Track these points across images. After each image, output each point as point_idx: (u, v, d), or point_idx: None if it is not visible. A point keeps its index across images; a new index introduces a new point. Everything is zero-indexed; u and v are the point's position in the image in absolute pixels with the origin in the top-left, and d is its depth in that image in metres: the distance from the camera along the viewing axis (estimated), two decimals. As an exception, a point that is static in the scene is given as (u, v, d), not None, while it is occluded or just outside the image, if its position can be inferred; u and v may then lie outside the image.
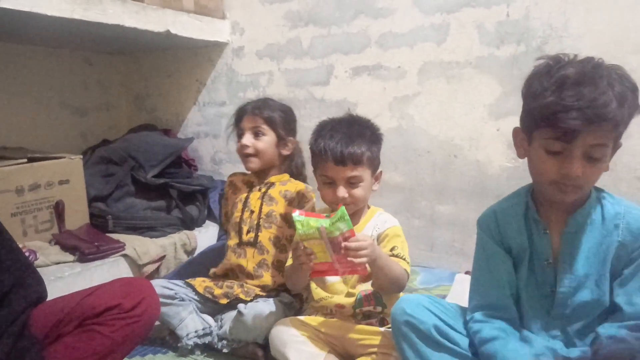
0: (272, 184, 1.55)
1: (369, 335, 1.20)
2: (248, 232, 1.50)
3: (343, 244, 1.06)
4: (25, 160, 1.71)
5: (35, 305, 1.05)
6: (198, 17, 1.99)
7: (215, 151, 2.28)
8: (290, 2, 1.95)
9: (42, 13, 1.46)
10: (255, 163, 1.51)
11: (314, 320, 1.26)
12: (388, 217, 1.31)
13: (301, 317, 1.27)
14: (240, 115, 1.55)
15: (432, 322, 0.99)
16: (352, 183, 1.22)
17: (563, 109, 0.82)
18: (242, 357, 1.33)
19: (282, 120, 1.54)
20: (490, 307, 1.00)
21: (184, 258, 1.91)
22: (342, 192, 1.21)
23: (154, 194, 1.99)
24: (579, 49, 1.48)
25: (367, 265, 1.10)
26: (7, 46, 2.04)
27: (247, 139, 1.50)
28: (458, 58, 1.66)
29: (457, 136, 1.69)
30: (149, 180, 1.96)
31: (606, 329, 0.89)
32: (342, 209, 1.05)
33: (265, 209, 1.50)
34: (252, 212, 1.52)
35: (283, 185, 1.54)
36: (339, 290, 1.28)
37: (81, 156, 1.86)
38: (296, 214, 1.08)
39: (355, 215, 1.28)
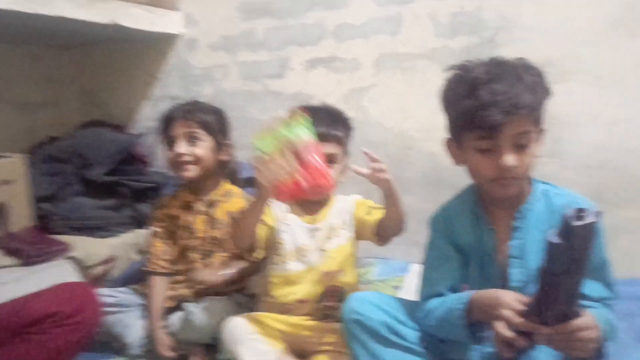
0: (214, 202, 1.43)
1: (324, 333, 1.18)
2: (199, 260, 1.41)
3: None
4: (-38, 160, 1.61)
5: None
6: (148, 8, 1.92)
7: (170, 147, 2.22)
8: (244, -8, 1.90)
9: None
10: (193, 171, 1.37)
11: (269, 317, 1.22)
12: (345, 197, 1.28)
13: (255, 314, 1.23)
14: (169, 120, 1.40)
15: (381, 319, 0.98)
16: None
17: (481, 107, 0.86)
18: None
19: (218, 123, 1.42)
20: (438, 297, 1.00)
21: (137, 258, 1.84)
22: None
23: (104, 192, 1.91)
24: (530, 40, 1.51)
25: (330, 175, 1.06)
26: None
27: (182, 146, 1.35)
28: (412, 50, 1.66)
29: (412, 128, 1.69)
30: (98, 179, 1.88)
31: None
32: (303, 114, 1.04)
33: (213, 234, 1.41)
34: (200, 238, 1.41)
35: (226, 202, 1.43)
36: (303, 281, 1.23)
37: (26, 155, 1.77)
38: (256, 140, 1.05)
39: (319, 204, 1.25)
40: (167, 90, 2.16)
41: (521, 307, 0.78)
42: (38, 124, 2.29)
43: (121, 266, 1.79)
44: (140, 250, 1.88)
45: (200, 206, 1.43)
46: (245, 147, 1.78)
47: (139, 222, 1.92)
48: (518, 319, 0.77)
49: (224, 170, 1.47)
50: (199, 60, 2.07)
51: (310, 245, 1.23)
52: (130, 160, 2.03)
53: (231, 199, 1.43)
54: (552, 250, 0.70)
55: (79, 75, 2.42)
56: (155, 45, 2.14)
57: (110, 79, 2.33)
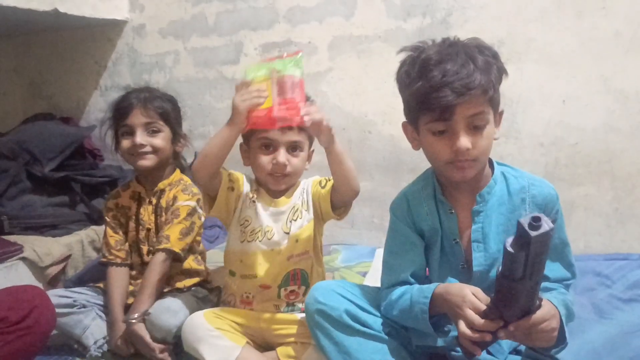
0: (162, 191, 1.38)
1: (287, 324, 1.16)
2: (149, 252, 1.37)
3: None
4: None
5: None
6: (91, -7, 1.83)
7: (124, 138, 2.14)
8: (192, -25, 1.84)
9: None
10: (151, 160, 1.33)
11: (229, 311, 1.20)
12: (305, 179, 1.26)
13: (216, 309, 1.21)
14: (126, 109, 1.33)
15: (344, 307, 0.97)
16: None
17: (433, 89, 0.85)
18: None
19: (175, 113, 1.38)
20: (401, 285, 1.00)
21: (94, 255, 1.78)
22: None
23: (54, 189, 1.83)
24: (481, 20, 1.51)
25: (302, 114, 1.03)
26: None
27: (142, 137, 1.31)
28: (367, 32, 1.64)
29: (370, 111, 1.68)
30: (47, 175, 1.80)
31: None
32: (301, 55, 1.04)
33: (160, 223, 1.37)
34: (148, 229, 1.38)
35: (172, 191, 1.38)
36: (265, 263, 1.20)
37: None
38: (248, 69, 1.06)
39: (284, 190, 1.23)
40: (117, 79, 2.08)
41: (483, 307, 0.79)
42: (-20, 119, 2.18)
43: (77, 265, 1.74)
44: (96, 247, 1.82)
45: (149, 196, 1.39)
46: (200, 137, 1.75)
47: (94, 219, 1.85)
48: (479, 321, 0.78)
49: (175, 160, 1.44)
50: (148, 47, 1.99)
51: (273, 228, 1.20)
52: (82, 154, 1.96)
53: (178, 187, 1.38)
54: (509, 258, 0.71)
55: (22, 65, 2.30)
56: (102, 32, 2.05)
57: (56, 69, 2.22)
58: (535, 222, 0.67)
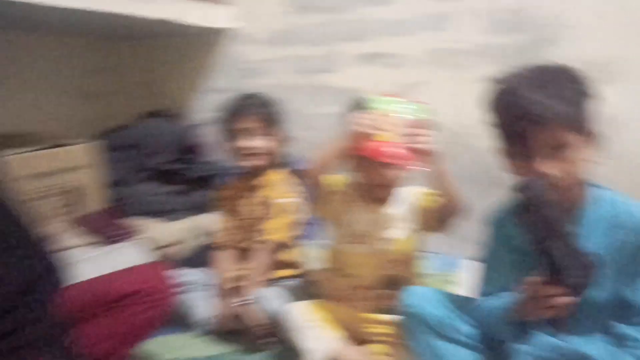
0: (267, 187, 1.54)
1: (382, 324, 1.24)
2: (254, 241, 1.52)
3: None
4: (49, 146, 1.77)
5: (59, 290, 1.12)
6: (200, 4, 2.01)
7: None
8: (295, -11, 1.98)
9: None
10: (257, 160, 1.50)
11: (328, 306, 1.31)
12: (410, 188, 1.32)
13: (315, 302, 1.33)
14: (232, 115, 1.51)
15: (439, 313, 1.02)
16: None
17: (514, 117, 0.92)
18: (255, 338, 1.39)
19: (276, 116, 1.53)
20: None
21: (198, 241, 1.98)
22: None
23: (166, 179, 2.05)
24: (582, 37, 1.52)
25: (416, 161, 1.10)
26: (22, 36, 2.08)
27: (249, 140, 1.48)
28: (464, 46, 1.70)
29: (464, 124, 1.72)
30: (161, 167, 2.03)
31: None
32: (428, 107, 1.13)
33: (266, 217, 1.51)
34: (253, 220, 1.54)
35: (276, 188, 1.53)
36: (364, 265, 1.29)
37: (99, 142, 1.92)
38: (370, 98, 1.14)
39: (385, 194, 1.30)
40: (220, 83, 2.27)
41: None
42: (100, 113, 2.44)
43: (187, 248, 1.95)
44: (204, 233, 2.02)
45: (255, 191, 1.55)
46: (296, 141, 1.88)
47: (201, 208, 2.06)
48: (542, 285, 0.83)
49: (281, 158, 1.59)
50: (249, 54, 2.16)
51: (372, 232, 1.28)
52: (190, 149, 2.17)
53: (282, 184, 1.53)
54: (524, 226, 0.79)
55: (138, 66, 2.56)
56: (208, 39, 2.24)
57: (167, 71, 2.46)
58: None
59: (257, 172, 1.55)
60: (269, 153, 1.51)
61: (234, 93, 2.15)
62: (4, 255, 0.94)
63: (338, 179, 1.32)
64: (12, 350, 0.88)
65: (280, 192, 1.52)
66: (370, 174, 1.25)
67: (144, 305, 1.12)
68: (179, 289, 1.40)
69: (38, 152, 1.73)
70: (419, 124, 1.09)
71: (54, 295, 1.05)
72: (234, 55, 2.21)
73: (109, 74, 2.49)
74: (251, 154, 1.49)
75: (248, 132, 1.48)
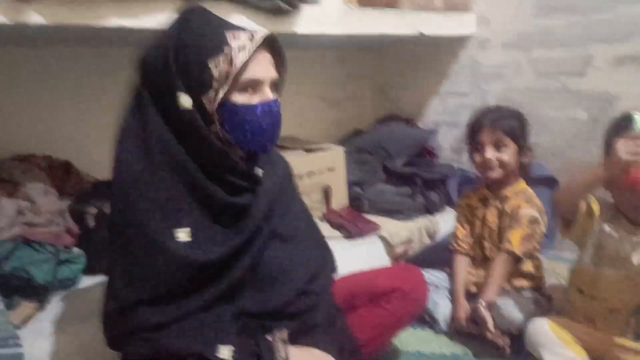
0: (507, 197, 1.55)
1: (632, 353, 1.18)
2: (491, 249, 1.57)
3: None
4: (304, 151, 2.09)
5: (334, 279, 1.33)
6: (446, 14, 2.09)
7: (455, 140, 2.39)
8: (543, -10, 1.91)
9: (322, 32, 1.72)
10: (497, 172, 1.52)
11: (573, 325, 1.28)
12: None
13: (559, 320, 1.31)
14: (477, 128, 1.55)
15: None
16: None
17: None
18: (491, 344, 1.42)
19: (520, 128, 1.53)
20: None
21: (427, 242, 2.09)
22: None
23: (401, 181, 2.21)
24: None
25: None
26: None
27: (490, 152, 1.51)
28: None
29: None
30: (397, 169, 2.19)
31: None
32: None
33: (503, 226, 1.54)
34: (491, 230, 1.57)
35: (517, 199, 1.53)
36: (616, 289, 1.24)
37: (343, 147, 2.18)
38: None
39: None
40: (456, 87, 2.33)
41: None
42: (342, 117, 2.75)
43: (414, 247, 2.08)
44: (430, 234, 2.13)
45: (494, 201, 1.58)
46: (534, 145, 1.85)
47: (429, 209, 2.17)
48: None
49: (522, 170, 1.58)
50: (489, 59, 2.16)
51: (631, 255, 1.21)
52: (422, 152, 2.29)
53: (523, 197, 1.53)
54: None
55: (375, 73, 2.79)
56: (447, 46, 2.31)
57: (402, 77, 2.62)
58: None
59: (497, 183, 1.57)
60: (510, 165, 1.52)
61: (473, 97, 2.21)
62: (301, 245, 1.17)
63: (591, 200, 1.28)
64: (301, 330, 1.09)
65: (521, 204, 1.52)
66: (632, 201, 1.18)
67: (404, 302, 1.24)
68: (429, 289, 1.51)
69: (300, 155, 2.05)
70: None
71: (331, 283, 1.26)
72: (473, 59, 2.23)
73: (351, 80, 2.76)
74: (492, 166, 1.52)
75: (490, 145, 1.52)
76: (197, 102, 0.96)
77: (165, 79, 0.97)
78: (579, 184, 1.22)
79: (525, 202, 1.52)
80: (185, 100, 0.96)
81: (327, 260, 1.29)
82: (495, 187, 1.59)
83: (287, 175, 1.23)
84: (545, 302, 1.52)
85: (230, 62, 0.95)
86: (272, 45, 1.03)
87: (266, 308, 1.04)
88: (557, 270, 1.71)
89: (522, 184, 1.58)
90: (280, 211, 1.12)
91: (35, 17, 1.19)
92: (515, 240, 1.48)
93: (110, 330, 0.99)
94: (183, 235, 0.96)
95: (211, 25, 0.99)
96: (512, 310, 1.39)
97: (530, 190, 1.57)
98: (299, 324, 1.07)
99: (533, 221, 1.49)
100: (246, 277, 1.03)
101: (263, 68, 1.00)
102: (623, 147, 1.05)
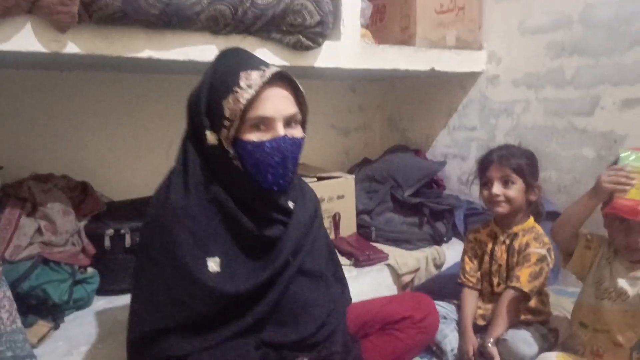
0: (516, 234, 1.58)
1: None
2: (499, 284, 1.60)
3: None
4: (315, 179, 2.13)
5: (348, 307, 1.35)
6: (458, 51, 2.16)
7: (462, 172, 2.43)
8: (554, 32, 1.97)
9: (340, 67, 1.80)
10: (504, 208, 1.55)
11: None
12: None
13: (566, 355, 1.33)
14: (486, 164, 1.59)
15: None
16: None
17: None
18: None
19: (529, 167, 1.56)
20: None
21: (433, 271, 2.12)
22: None
23: (409, 210, 2.25)
24: None
25: None
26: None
27: (497, 188, 1.54)
28: None
29: None
30: (406, 199, 2.23)
31: None
32: None
33: (511, 263, 1.57)
34: (499, 265, 1.60)
35: (525, 237, 1.57)
36: (618, 322, 1.27)
37: (353, 176, 2.22)
38: (625, 153, 1.18)
39: None
40: (465, 121, 2.39)
41: None
42: (352, 146, 2.80)
43: (421, 276, 2.10)
44: (436, 264, 2.16)
45: (503, 237, 1.61)
46: (542, 181, 1.90)
47: (436, 240, 2.20)
48: None
49: (530, 207, 1.62)
50: (498, 95, 2.22)
51: (629, 291, 1.26)
52: (430, 183, 2.34)
53: (531, 234, 1.56)
54: None
55: (384, 104, 2.85)
56: (457, 81, 2.37)
57: (411, 108, 2.68)
58: None
59: (506, 219, 1.61)
60: (516, 201, 1.55)
61: (481, 132, 2.26)
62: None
63: (590, 236, 1.35)
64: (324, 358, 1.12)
65: (529, 242, 1.55)
66: (628, 236, 1.23)
67: (415, 330, 1.28)
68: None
69: (312, 183, 2.08)
70: None
71: (345, 313, 1.29)
72: (482, 95, 2.29)
73: (360, 110, 2.82)
74: (498, 201, 1.56)
75: (498, 180, 1.55)
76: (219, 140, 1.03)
77: (197, 117, 1.04)
78: (570, 214, 1.33)
79: (534, 240, 1.56)
80: (211, 137, 1.02)
81: (344, 292, 1.32)
82: (504, 224, 1.62)
83: (316, 209, 1.26)
84: (552, 336, 1.54)
85: (238, 101, 0.99)
86: (289, 81, 1.07)
87: (287, 340, 1.07)
88: (562, 304, 1.74)
89: (531, 221, 1.61)
90: (307, 246, 1.15)
91: (71, 47, 1.24)
92: (523, 278, 1.50)
93: (136, 358, 1.02)
94: (213, 265, 0.99)
95: (232, 66, 1.05)
96: (520, 344, 1.41)
97: (538, 228, 1.60)
98: (317, 353, 1.10)
99: (541, 259, 1.52)
100: (270, 311, 1.06)
101: (273, 105, 1.03)
102: (605, 177, 1.20)
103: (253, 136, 1.02)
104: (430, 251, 2.14)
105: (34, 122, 1.86)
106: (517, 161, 1.55)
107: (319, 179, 2.13)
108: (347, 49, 1.75)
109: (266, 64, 1.06)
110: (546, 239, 1.56)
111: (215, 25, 1.40)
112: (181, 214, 1.00)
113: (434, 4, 2.07)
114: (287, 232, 1.09)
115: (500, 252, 1.61)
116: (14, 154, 1.80)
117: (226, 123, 1.01)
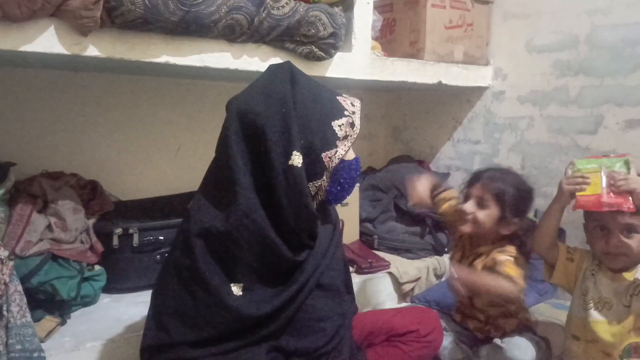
0: (481, 254, 1.50)
1: None
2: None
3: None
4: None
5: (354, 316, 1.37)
6: (465, 66, 2.20)
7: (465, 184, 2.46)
8: (561, 52, 2.01)
9: (351, 77, 1.84)
10: (468, 227, 1.47)
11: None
12: None
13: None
14: (473, 179, 1.51)
15: None
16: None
17: None
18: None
19: (513, 199, 1.43)
20: None
21: (434, 281, 2.15)
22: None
23: (411, 220, 2.27)
24: None
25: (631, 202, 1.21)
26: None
27: (470, 205, 1.45)
28: None
29: None
30: (409, 208, 2.26)
31: None
32: (628, 158, 1.29)
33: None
34: None
35: (490, 254, 1.46)
36: (602, 332, 1.31)
37: (358, 184, 2.25)
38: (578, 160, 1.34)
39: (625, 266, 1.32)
40: (469, 134, 2.42)
41: None
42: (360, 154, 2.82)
43: (421, 286, 2.13)
44: (437, 274, 2.18)
45: (469, 254, 1.56)
46: (542, 196, 1.93)
47: (437, 250, 2.23)
48: None
49: (505, 239, 1.48)
50: (503, 110, 2.26)
51: (613, 300, 1.31)
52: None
53: (498, 252, 1.44)
54: None
55: (390, 114, 2.89)
56: (463, 95, 2.41)
57: (417, 120, 2.71)
58: None
59: (471, 237, 1.55)
60: (483, 226, 1.44)
61: (485, 145, 2.30)
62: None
63: (570, 248, 1.42)
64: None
65: (494, 256, 1.45)
66: (607, 242, 1.28)
67: (420, 344, 1.30)
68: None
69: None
70: (620, 173, 1.25)
71: (352, 323, 1.31)
72: (487, 109, 2.33)
73: (366, 120, 2.85)
74: (465, 218, 1.46)
75: (474, 199, 1.46)
76: (305, 161, 1.04)
77: (284, 138, 1.02)
78: (542, 224, 1.39)
79: (498, 252, 1.44)
80: (299, 159, 1.03)
81: (352, 302, 1.34)
82: (474, 240, 1.54)
83: (337, 226, 1.29)
84: (544, 344, 1.55)
85: (352, 125, 1.10)
86: None
87: (298, 349, 1.10)
88: (560, 317, 1.76)
89: (500, 244, 1.47)
90: (326, 262, 1.17)
91: (92, 50, 1.27)
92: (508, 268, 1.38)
93: (151, 358, 1.04)
94: (236, 289, 1.02)
95: (321, 89, 1.12)
96: (515, 351, 1.42)
97: (510, 249, 1.45)
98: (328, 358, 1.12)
99: (512, 280, 1.35)
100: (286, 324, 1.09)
101: None
102: (565, 181, 1.32)
103: (348, 155, 1.15)
104: (431, 261, 2.17)
105: (46, 120, 1.89)
106: (502, 188, 1.43)
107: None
108: (358, 61, 1.79)
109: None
110: (519, 259, 1.43)
111: (231, 34, 1.44)
112: (224, 239, 1.02)
113: (443, 19, 2.11)
114: (313, 255, 1.12)
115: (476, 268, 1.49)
116: (26, 151, 1.82)
117: (337, 144, 1.08)
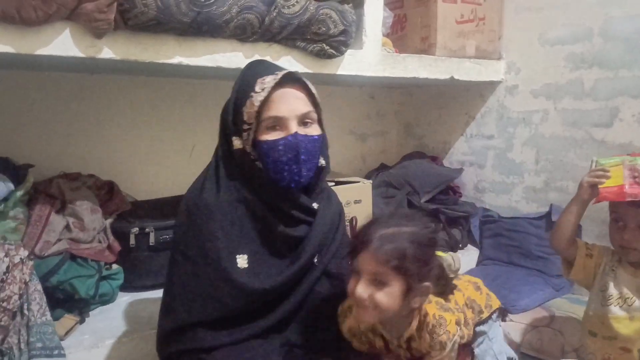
0: (410, 339, 1.12)
1: None
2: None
3: None
4: (334, 183, 2.16)
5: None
6: (478, 61, 2.18)
7: (479, 180, 2.45)
8: (574, 45, 1.99)
9: (362, 74, 1.84)
10: (371, 316, 1.03)
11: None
12: None
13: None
14: (358, 246, 1.01)
15: None
16: None
17: None
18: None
19: (416, 260, 1.01)
20: None
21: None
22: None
23: (425, 217, 2.26)
24: None
25: None
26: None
27: (362, 288, 1.00)
28: None
29: None
30: (422, 205, 2.25)
31: None
32: None
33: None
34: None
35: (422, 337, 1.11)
36: (622, 328, 1.30)
37: (371, 181, 2.25)
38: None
39: None
40: (482, 129, 2.41)
41: None
42: (369, 151, 2.83)
43: (436, 282, 2.12)
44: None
45: (395, 341, 1.15)
46: (557, 190, 1.90)
47: (452, 246, 2.22)
48: None
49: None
50: (517, 104, 2.24)
51: (634, 296, 1.30)
52: (446, 190, 2.36)
53: (426, 331, 1.11)
54: None
55: (402, 110, 2.88)
56: (476, 89, 2.39)
57: (429, 115, 2.70)
58: None
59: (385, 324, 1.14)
60: (388, 312, 1.02)
61: (499, 140, 2.28)
62: None
63: (589, 244, 1.40)
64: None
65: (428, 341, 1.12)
66: (622, 235, 1.28)
67: None
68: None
69: (336, 185, 2.12)
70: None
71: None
72: (501, 104, 2.31)
73: (378, 116, 2.85)
74: (363, 305, 1.00)
75: (367, 277, 1.00)
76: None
77: (225, 125, 1.12)
78: (562, 221, 1.36)
79: (429, 335, 1.10)
80: (237, 143, 1.10)
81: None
82: (387, 329, 1.13)
83: (339, 212, 1.30)
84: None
85: (253, 104, 1.06)
86: (301, 82, 1.12)
87: (310, 341, 1.11)
88: (576, 311, 1.75)
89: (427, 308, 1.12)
90: (332, 248, 1.19)
91: (107, 52, 1.29)
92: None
93: (166, 348, 1.06)
94: (241, 261, 1.04)
95: (252, 75, 1.11)
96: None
97: (434, 316, 1.12)
98: (338, 353, 1.13)
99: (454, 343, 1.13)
100: (295, 310, 1.10)
101: (286, 105, 1.08)
102: (585, 178, 1.30)
103: (269, 136, 1.08)
104: (445, 257, 2.16)
105: (63, 123, 1.93)
106: (400, 250, 0.99)
107: (337, 183, 2.16)
108: (369, 58, 1.79)
109: (281, 69, 1.12)
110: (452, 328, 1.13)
111: (242, 33, 1.45)
112: (213, 210, 1.05)
113: (455, 14, 2.10)
114: (312, 231, 1.14)
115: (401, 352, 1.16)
116: (44, 153, 1.86)
117: (245, 127, 1.08)
